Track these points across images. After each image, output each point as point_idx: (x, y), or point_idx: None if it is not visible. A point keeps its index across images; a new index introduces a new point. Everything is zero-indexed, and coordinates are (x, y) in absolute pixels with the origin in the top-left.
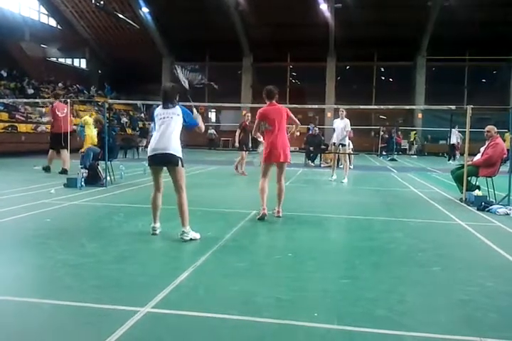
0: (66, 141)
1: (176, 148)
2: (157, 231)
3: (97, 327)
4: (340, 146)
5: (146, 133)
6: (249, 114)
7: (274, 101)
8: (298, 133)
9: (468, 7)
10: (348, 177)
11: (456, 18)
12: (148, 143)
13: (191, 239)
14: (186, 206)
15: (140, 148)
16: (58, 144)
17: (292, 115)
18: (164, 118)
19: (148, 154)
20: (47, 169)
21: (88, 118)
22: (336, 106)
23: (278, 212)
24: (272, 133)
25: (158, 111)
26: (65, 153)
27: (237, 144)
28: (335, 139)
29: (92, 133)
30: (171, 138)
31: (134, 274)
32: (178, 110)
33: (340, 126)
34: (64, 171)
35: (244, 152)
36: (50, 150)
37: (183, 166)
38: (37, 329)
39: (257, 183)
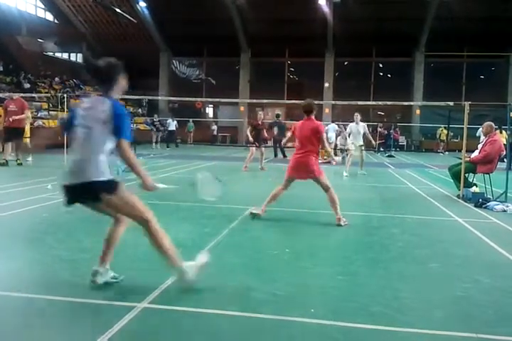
0: (15, 134)
1: None
2: None
3: (93, 323)
4: (358, 146)
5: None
6: (262, 112)
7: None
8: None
9: (467, 3)
10: (348, 173)
11: (454, 14)
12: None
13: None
14: None
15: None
16: (12, 138)
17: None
18: None
19: None
20: (3, 163)
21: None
22: (333, 102)
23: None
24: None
25: None
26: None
27: (251, 139)
28: (353, 140)
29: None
30: None
31: (131, 270)
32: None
33: (357, 131)
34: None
35: (254, 148)
36: (5, 145)
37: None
38: (34, 324)
39: (256, 179)
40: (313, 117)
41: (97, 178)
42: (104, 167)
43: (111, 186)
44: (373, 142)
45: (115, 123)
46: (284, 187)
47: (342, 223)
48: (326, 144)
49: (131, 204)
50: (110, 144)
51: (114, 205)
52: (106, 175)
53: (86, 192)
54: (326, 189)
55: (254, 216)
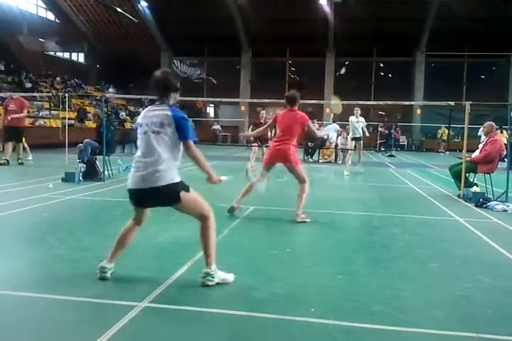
0: (15, 133)
1: None
2: None
3: (94, 322)
4: (356, 140)
5: None
6: (264, 111)
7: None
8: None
9: (468, 3)
10: (349, 172)
11: (455, 13)
12: None
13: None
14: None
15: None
16: (12, 137)
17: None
18: None
19: None
20: (5, 163)
21: None
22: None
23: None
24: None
25: None
26: (20, 146)
27: (252, 138)
28: (351, 135)
29: None
30: None
31: (132, 269)
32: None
33: (357, 124)
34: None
35: (256, 147)
36: (6, 144)
37: None
38: (35, 323)
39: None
40: (296, 108)
41: (174, 181)
42: (176, 169)
43: (185, 187)
44: (367, 133)
45: (179, 127)
46: (261, 177)
47: (300, 219)
48: (315, 129)
49: (197, 202)
50: (179, 147)
51: (183, 204)
52: (179, 177)
53: (163, 196)
54: (302, 182)
55: (231, 211)
